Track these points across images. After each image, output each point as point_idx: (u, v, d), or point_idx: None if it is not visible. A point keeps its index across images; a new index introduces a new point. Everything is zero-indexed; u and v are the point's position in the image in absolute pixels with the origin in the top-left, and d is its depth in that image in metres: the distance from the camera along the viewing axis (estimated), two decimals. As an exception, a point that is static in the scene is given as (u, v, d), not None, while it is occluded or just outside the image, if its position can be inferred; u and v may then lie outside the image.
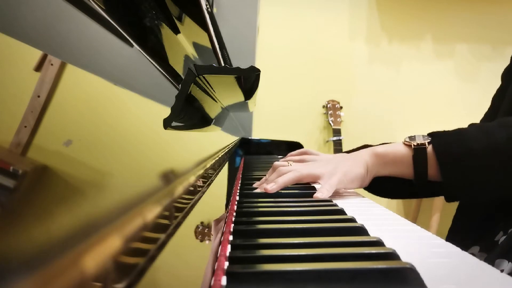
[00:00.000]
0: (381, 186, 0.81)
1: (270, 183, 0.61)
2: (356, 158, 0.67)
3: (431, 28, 2.28)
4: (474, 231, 0.72)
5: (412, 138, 0.65)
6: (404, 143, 0.65)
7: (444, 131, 0.64)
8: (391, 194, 0.90)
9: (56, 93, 0.20)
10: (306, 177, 0.64)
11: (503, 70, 0.92)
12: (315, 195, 0.59)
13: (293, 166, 0.67)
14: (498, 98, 0.90)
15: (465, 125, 1.03)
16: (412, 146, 0.63)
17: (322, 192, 0.59)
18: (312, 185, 0.67)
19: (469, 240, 0.69)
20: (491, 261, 0.57)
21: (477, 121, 1.00)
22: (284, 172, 0.64)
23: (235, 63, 0.71)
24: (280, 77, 2.24)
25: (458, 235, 0.76)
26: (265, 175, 0.87)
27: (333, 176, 0.62)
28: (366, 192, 0.83)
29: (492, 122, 0.63)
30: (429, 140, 0.63)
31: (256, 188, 0.66)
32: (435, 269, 0.31)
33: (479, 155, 0.58)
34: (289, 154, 1.04)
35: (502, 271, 0.52)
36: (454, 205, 0.83)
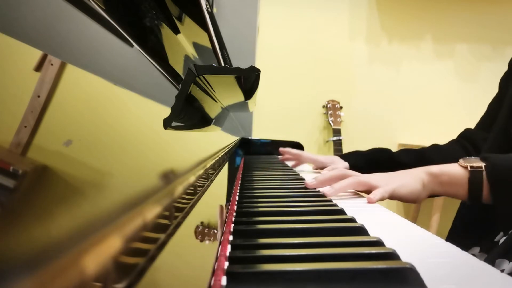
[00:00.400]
0: None
1: (328, 188, 0.64)
2: (412, 174, 0.68)
3: (431, 28, 2.28)
4: (474, 232, 0.72)
5: (466, 160, 0.66)
6: (460, 165, 0.66)
7: (498, 155, 0.65)
8: None
9: (56, 93, 0.20)
10: (363, 183, 0.65)
11: (502, 72, 0.92)
12: (368, 196, 0.61)
13: (351, 173, 0.69)
14: (495, 105, 0.91)
15: (465, 125, 1.03)
16: (468, 168, 0.64)
17: (374, 194, 0.61)
18: (317, 189, 0.67)
19: (469, 241, 0.70)
20: (491, 261, 0.57)
21: (476, 122, 1.00)
22: (339, 174, 0.67)
23: (235, 63, 0.71)
24: (280, 77, 2.24)
25: (458, 236, 0.76)
26: (265, 174, 0.87)
27: (389, 185, 0.64)
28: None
29: None
30: (484, 164, 0.64)
31: (256, 188, 0.66)
32: (435, 269, 0.31)
33: None
34: (287, 148, 1.08)
35: (502, 271, 0.53)
36: (454, 205, 0.83)
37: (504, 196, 0.61)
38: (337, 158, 1.01)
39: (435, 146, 1.00)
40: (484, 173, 0.63)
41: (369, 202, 0.61)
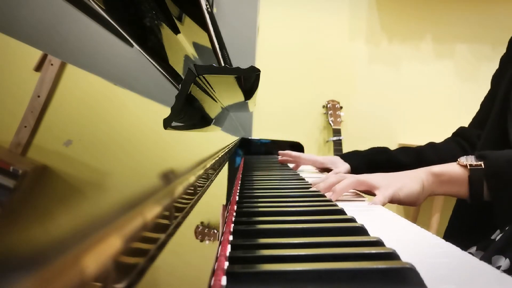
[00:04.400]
0: None
1: (328, 194, 0.64)
2: (411, 175, 0.68)
3: (431, 28, 2.28)
4: (471, 230, 0.72)
5: (465, 158, 0.66)
6: (459, 164, 0.66)
7: (494, 152, 0.65)
8: None
9: (56, 93, 0.20)
10: (363, 183, 0.65)
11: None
12: (371, 202, 0.61)
13: (350, 175, 0.69)
14: (488, 102, 0.91)
15: (465, 125, 1.03)
16: (468, 167, 0.64)
17: (374, 202, 0.61)
18: (319, 192, 0.67)
19: (467, 240, 0.70)
20: (488, 257, 0.57)
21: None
22: (339, 178, 0.67)
23: (235, 63, 0.71)
24: (280, 77, 2.24)
25: (455, 235, 0.76)
26: (265, 174, 0.87)
27: (389, 188, 0.64)
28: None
29: None
30: (483, 162, 0.64)
31: (256, 188, 0.66)
32: (435, 269, 0.31)
33: None
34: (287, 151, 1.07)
35: (499, 267, 0.53)
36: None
37: (503, 193, 0.61)
38: (337, 159, 1.00)
39: (431, 145, 1.00)
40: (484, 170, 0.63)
41: None
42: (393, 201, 0.64)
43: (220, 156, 0.60)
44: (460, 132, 1.01)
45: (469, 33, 2.28)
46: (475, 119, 0.98)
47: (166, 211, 0.20)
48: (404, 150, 0.99)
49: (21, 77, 0.19)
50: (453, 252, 0.36)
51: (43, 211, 0.13)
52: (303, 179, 0.80)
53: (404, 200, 0.65)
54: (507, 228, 0.61)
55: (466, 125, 1.02)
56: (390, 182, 0.65)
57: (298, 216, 0.45)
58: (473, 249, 0.68)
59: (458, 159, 0.66)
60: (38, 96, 0.19)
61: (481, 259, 0.34)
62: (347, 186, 0.64)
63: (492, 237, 0.65)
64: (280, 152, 1.18)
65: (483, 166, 0.63)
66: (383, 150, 1.00)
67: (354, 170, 0.95)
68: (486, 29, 2.27)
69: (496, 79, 0.92)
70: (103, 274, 0.11)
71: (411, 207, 2.24)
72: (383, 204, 0.62)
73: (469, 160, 0.65)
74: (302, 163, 1.10)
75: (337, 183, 0.66)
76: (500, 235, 0.62)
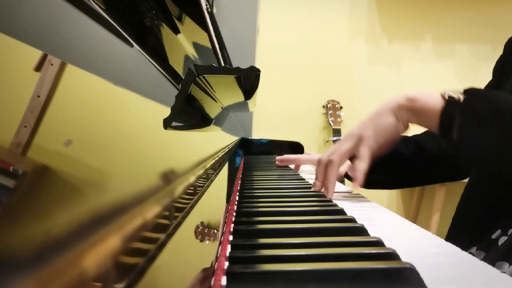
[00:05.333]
0: (378, 179, 0.80)
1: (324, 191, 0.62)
2: (381, 108, 0.63)
3: (431, 28, 2.28)
4: (472, 231, 0.72)
5: (450, 90, 0.60)
6: (440, 93, 0.59)
7: (483, 92, 0.59)
8: (389, 185, 0.89)
9: (56, 93, 0.20)
10: (340, 161, 0.62)
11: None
12: (354, 184, 0.59)
13: (327, 158, 0.64)
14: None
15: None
16: (445, 98, 0.57)
17: (356, 175, 0.58)
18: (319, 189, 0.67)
19: (467, 240, 0.69)
20: (491, 262, 0.56)
21: None
22: (324, 172, 0.63)
23: (235, 63, 0.71)
24: (280, 77, 2.24)
25: (457, 236, 0.76)
26: (265, 174, 0.87)
27: (363, 141, 0.60)
28: (366, 193, 0.83)
29: None
30: (463, 97, 0.57)
31: (256, 188, 0.66)
32: (435, 269, 0.31)
33: (506, 120, 0.52)
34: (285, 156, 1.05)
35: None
36: (454, 205, 0.83)
37: (472, 133, 0.54)
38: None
39: (429, 133, 0.94)
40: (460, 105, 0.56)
41: (356, 187, 0.59)
42: (374, 148, 0.60)
43: (220, 156, 0.60)
44: None
45: (469, 33, 2.28)
46: None
47: (166, 211, 0.20)
48: (403, 139, 0.94)
49: (21, 77, 0.19)
50: (453, 252, 0.36)
51: (43, 211, 0.13)
52: (303, 179, 0.80)
53: (383, 142, 0.61)
54: (510, 232, 0.60)
55: None
56: (359, 135, 0.61)
57: (298, 216, 0.45)
58: (474, 249, 0.67)
59: (444, 90, 0.60)
60: (38, 96, 0.19)
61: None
62: (332, 177, 0.61)
63: (493, 237, 0.64)
64: (277, 158, 1.15)
65: (461, 100, 0.56)
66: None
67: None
68: (486, 29, 2.27)
69: (500, 68, 0.88)
70: (103, 274, 0.11)
71: (411, 207, 2.24)
72: (366, 169, 0.58)
73: (454, 92, 0.59)
74: (301, 164, 1.09)
75: (325, 177, 0.63)
76: (503, 237, 0.61)
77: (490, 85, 0.91)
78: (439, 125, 0.58)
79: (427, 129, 0.95)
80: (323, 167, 0.64)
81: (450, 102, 0.57)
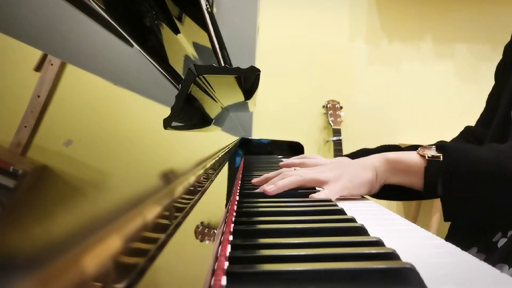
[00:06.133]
0: (386, 190, 0.79)
1: (270, 185, 0.60)
2: (364, 163, 0.65)
3: (431, 28, 2.28)
4: (472, 232, 0.72)
5: (424, 148, 0.64)
6: (418, 153, 0.63)
7: (456, 146, 0.63)
8: (397, 197, 0.88)
9: (56, 93, 0.20)
10: (309, 182, 0.63)
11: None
12: (311, 195, 0.59)
13: (298, 171, 0.66)
14: (494, 98, 0.89)
15: (465, 125, 1.03)
16: (426, 158, 0.61)
17: (319, 194, 0.58)
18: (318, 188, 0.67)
19: (468, 241, 0.69)
20: (490, 265, 0.56)
21: (475, 121, 1.00)
22: (287, 176, 0.63)
23: (235, 63, 0.71)
24: (280, 77, 2.24)
25: (457, 236, 0.76)
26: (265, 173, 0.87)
27: (338, 182, 0.62)
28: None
29: (505, 145, 0.62)
30: (442, 154, 0.61)
31: (256, 187, 0.66)
32: (435, 269, 0.31)
33: (484, 172, 0.57)
34: (289, 160, 1.02)
35: None
36: (454, 205, 0.83)
37: (456, 189, 0.59)
38: (346, 159, 0.96)
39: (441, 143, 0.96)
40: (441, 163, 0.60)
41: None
42: (344, 195, 0.62)
43: (220, 156, 0.60)
44: (468, 131, 0.97)
45: (469, 33, 2.28)
46: (481, 118, 0.95)
47: (166, 211, 0.20)
48: (414, 148, 0.94)
49: (21, 77, 0.19)
50: (453, 252, 0.36)
51: (43, 211, 0.13)
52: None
53: (355, 192, 0.63)
54: (510, 235, 0.60)
55: (467, 125, 1.01)
56: (338, 176, 0.62)
57: (298, 216, 0.45)
58: (474, 250, 0.67)
59: (419, 148, 0.64)
60: (38, 96, 0.19)
61: None
62: (290, 183, 0.61)
63: (494, 240, 0.64)
64: (281, 164, 1.14)
65: (441, 159, 0.60)
66: (393, 148, 0.95)
67: None
68: (486, 29, 2.27)
69: (501, 71, 0.89)
70: (103, 274, 0.11)
71: (411, 207, 2.24)
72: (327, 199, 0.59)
73: (430, 150, 0.62)
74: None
75: (280, 179, 0.62)
76: (503, 239, 0.61)
77: (493, 88, 0.91)
78: (424, 183, 0.62)
79: (438, 141, 0.96)
80: (289, 173, 0.64)
81: (431, 161, 0.61)
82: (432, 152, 0.62)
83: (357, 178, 0.63)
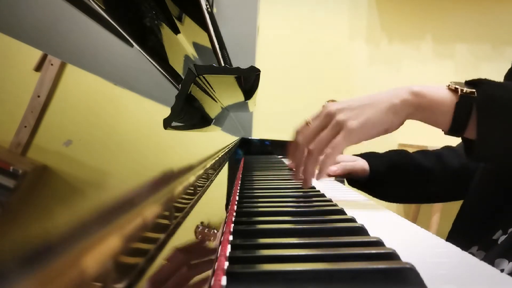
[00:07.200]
0: (389, 190, 0.78)
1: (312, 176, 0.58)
2: (379, 99, 0.59)
3: (431, 28, 2.28)
4: (473, 231, 0.72)
5: (457, 83, 0.56)
6: (448, 88, 0.56)
7: (492, 82, 0.55)
8: (398, 199, 0.87)
9: (56, 93, 0.20)
10: (319, 153, 0.58)
11: (503, 70, 0.90)
12: (317, 176, 0.58)
13: (308, 150, 0.60)
14: None
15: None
16: (459, 93, 0.54)
17: (322, 170, 0.56)
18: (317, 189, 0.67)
19: (469, 240, 0.69)
20: (490, 260, 0.56)
21: None
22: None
23: (235, 63, 0.71)
24: (280, 77, 2.24)
25: (458, 236, 0.76)
26: (265, 174, 0.87)
27: (341, 136, 0.57)
28: (364, 194, 0.83)
29: None
30: (476, 89, 0.54)
31: (256, 188, 0.66)
32: (435, 269, 0.31)
33: None
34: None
35: (502, 270, 0.52)
36: (454, 205, 0.83)
37: (494, 125, 0.52)
38: (357, 158, 0.94)
39: (449, 148, 0.91)
40: (476, 100, 0.53)
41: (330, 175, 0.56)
42: (360, 140, 0.57)
43: (220, 156, 0.60)
44: None
45: (469, 33, 2.28)
46: None
47: (166, 211, 0.20)
48: (423, 153, 0.90)
49: (21, 77, 0.19)
50: (453, 252, 0.36)
51: (43, 211, 0.13)
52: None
53: (362, 140, 0.58)
54: (510, 230, 0.60)
55: None
56: (344, 123, 0.57)
57: (298, 216, 0.45)
58: (474, 248, 0.67)
59: (450, 83, 0.56)
60: (38, 96, 0.19)
61: (483, 261, 0.34)
62: (314, 166, 0.57)
63: (494, 237, 0.64)
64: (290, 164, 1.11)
65: (475, 94, 0.53)
66: (403, 153, 0.91)
67: (374, 172, 0.87)
68: (486, 29, 2.27)
69: (510, 77, 0.87)
70: (103, 274, 0.11)
71: (411, 207, 2.24)
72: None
73: (462, 85, 0.55)
74: None
75: (304, 168, 0.58)
76: (503, 236, 0.61)
77: None
78: (452, 121, 0.55)
79: (445, 145, 0.92)
80: (302, 156, 0.61)
81: (465, 96, 0.54)
82: (461, 86, 0.55)
83: (369, 122, 0.57)
